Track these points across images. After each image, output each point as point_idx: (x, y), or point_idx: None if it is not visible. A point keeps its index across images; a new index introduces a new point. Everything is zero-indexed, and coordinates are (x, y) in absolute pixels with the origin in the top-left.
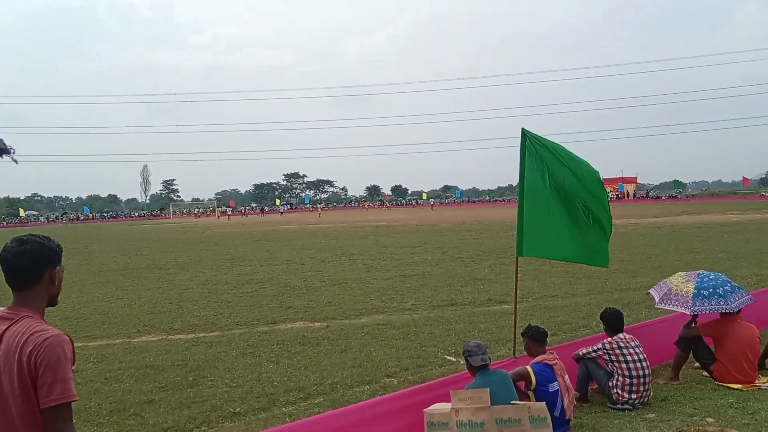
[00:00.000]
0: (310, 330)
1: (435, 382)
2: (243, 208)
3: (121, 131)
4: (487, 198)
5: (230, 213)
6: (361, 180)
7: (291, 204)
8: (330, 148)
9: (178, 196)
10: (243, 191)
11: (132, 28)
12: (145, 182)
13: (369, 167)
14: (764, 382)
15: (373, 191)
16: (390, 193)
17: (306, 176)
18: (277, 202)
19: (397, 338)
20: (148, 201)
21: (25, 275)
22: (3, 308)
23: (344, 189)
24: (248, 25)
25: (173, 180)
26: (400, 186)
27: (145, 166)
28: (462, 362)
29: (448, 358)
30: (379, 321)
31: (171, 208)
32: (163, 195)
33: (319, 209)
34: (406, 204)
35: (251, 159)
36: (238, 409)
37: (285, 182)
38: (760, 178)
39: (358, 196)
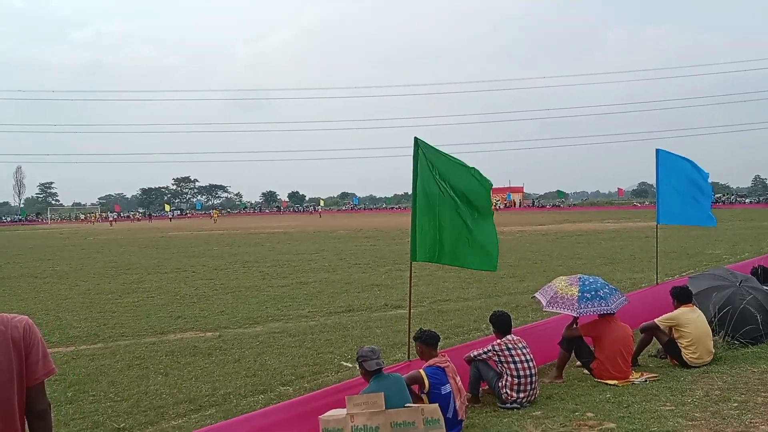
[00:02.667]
0: (202, 340)
1: (330, 388)
2: (131, 213)
3: None
4: (384, 205)
5: (112, 219)
6: (257, 185)
7: (181, 210)
8: (223, 152)
9: (57, 201)
10: (129, 196)
11: (2, 19)
12: (19, 185)
13: (265, 173)
14: (637, 378)
15: (270, 197)
16: (287, 199)
17: (197, 181)
18: (167, 207)
19: (293, 346)
20: (22, 205)
21: None
22: None
23: (239, 194)
24: (133, 22)
25: (51, 183)
26: (297, 192)
27: (19, 168)
28: (358, 368)
29: (345, 364)
30: (274, 329)
31: (49, 214)
32: (39, 199)
33: (215, 215)
34: (303, 211)
35: (138, 162)
36: (123, 424)
37: (175, 187)
38: (633, 190)
39: (253, 202)
